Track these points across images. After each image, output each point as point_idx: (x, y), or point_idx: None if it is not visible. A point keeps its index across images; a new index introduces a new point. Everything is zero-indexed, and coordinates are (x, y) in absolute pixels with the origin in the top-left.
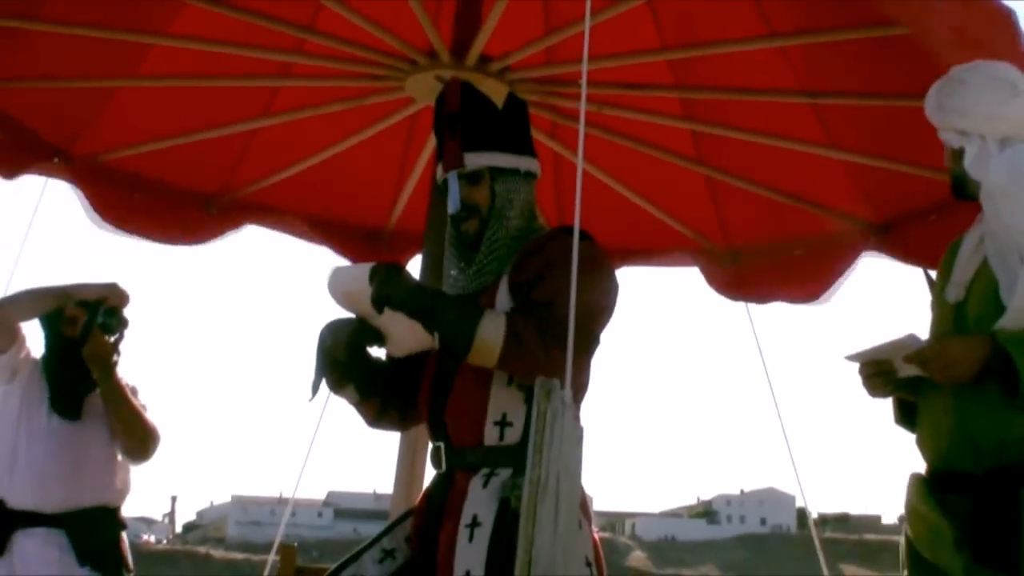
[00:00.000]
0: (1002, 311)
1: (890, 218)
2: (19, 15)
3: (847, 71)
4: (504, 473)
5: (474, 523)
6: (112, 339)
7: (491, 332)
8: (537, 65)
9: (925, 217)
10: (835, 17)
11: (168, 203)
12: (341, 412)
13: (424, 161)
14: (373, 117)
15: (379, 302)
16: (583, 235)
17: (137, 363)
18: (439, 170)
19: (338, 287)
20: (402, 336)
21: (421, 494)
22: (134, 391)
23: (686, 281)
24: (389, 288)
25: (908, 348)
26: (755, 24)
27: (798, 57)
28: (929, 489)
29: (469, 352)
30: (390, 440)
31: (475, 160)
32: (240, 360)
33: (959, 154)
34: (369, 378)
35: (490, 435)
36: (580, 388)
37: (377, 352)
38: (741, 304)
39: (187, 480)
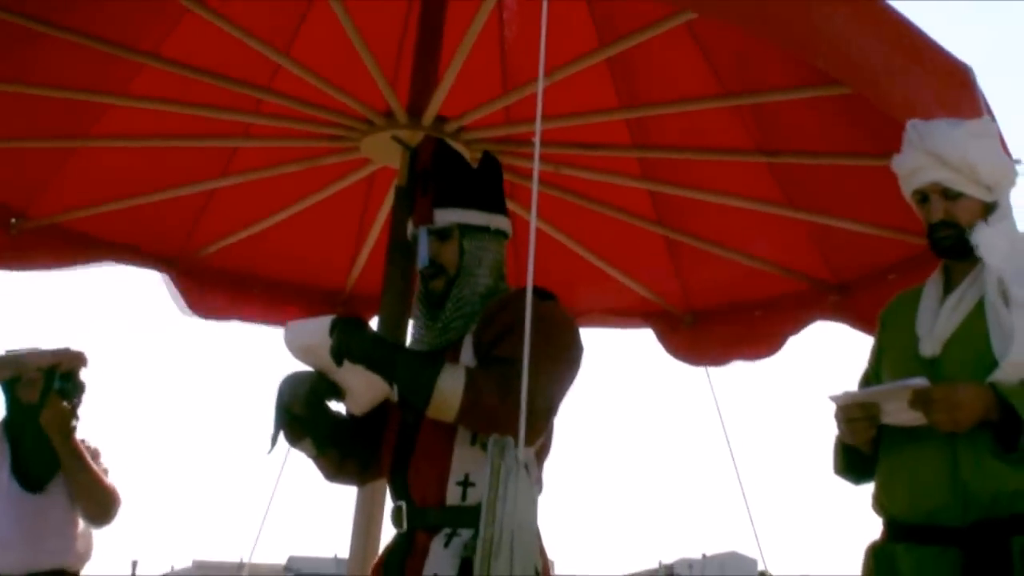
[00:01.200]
0: (986, 369)
1: (848, 279)
2: None
3: (803, 130)
4: (466, 534)
5: None
6: (70, 404)
7: (450, 385)
8: (494, 125)
9: (883, 277)
10: (788, 76)
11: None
12: (302, 474)
13: (381, 222)
14: (330, 178)
15: (339, 354)
16: (548, 295)
17: (97, 426)
18: (409, 226)
19: (296, 340)
20: (361, 391)
21: (378, 556)
22: (95, 454)
23: (647, 342)
24: (349, 340)
25: (900, 394)
26: (710, 84)
27: (753, 117)
28: (905, 538)
29: (428, 405)
30: (351, 502)
31: (444, 216)
32: (200, 422)
33: (983, 208)
34: (327, 432)
35: (452, 495)
36: (542, 450)
37: (335, 406)
38: (702, 370)
39: (148, 544)
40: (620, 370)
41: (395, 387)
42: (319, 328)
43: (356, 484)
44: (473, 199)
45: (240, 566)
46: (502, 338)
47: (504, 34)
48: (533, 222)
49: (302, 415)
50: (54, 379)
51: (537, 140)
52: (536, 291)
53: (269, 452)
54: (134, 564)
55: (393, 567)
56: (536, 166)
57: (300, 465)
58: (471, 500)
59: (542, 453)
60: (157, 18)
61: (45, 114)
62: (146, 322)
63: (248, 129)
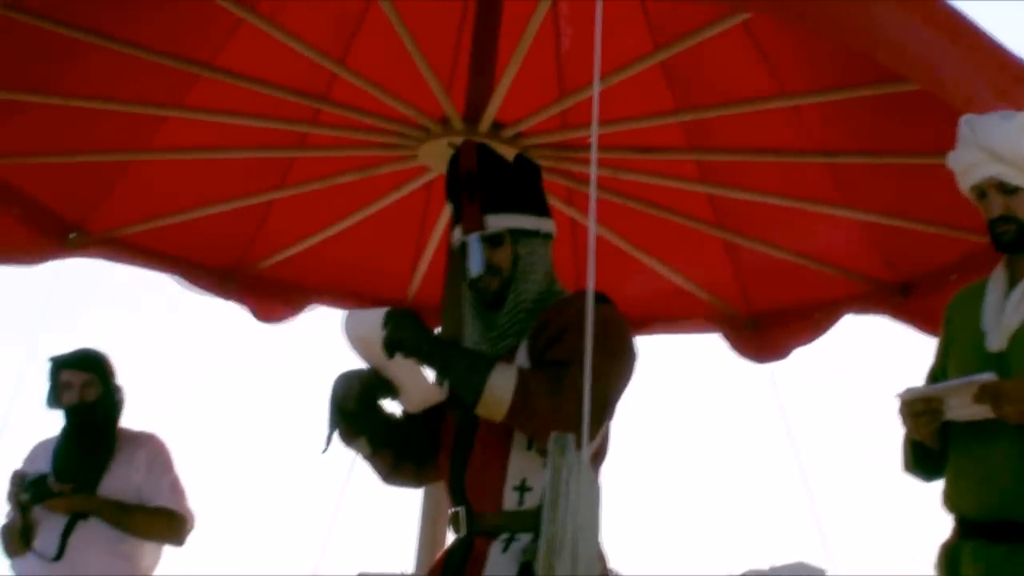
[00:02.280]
0: None
1: (909, 279)
2: (33, 89)
3: (861, 129)
4: (524, 538)
5: None
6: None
7: (501, 384)
8: (551, 130)
9: (945, 276)
10: (846, 75)
11: (185, 278)
12: (369, 490)
13: (440, 231)
14: (388, 187)
15: (391, 346)
16: (603, 299)
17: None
18: (456, 234)
19: (352, 331)
20: (415, 389)
21: (438, 557)
22: (168, 476)
23: (710, 347)
24: (402, 333)
25: (967, 390)
26: (767, 84)
27: (811, 116)
28: (975, 536)
29: (477, 403)
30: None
31: (496, 222)
32: (263, 435)
33: None
34: (381, 430)
35: (509, 500)
36: (598, 454)
37: (390, 406)
38: (764, 372)
39: (209, 563)
40: (684, 377)
41: (445, 383)
42: (374, 319)
43: (413, 486)
44: (522, 203)
45: None
46: (556, 341)
47: (559, 38)
48: (592, 227)
49: (355, 412)
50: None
51: (594, 144)
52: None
53: (324, 452)
54: None
55: (451, 572)
56: (594, 171)
57: (367, 481)
58: (528, 504)
59: (599, 458)
60: (212, 29)
61: (102, 127)
62: (206, 332)
63: (305, 139)
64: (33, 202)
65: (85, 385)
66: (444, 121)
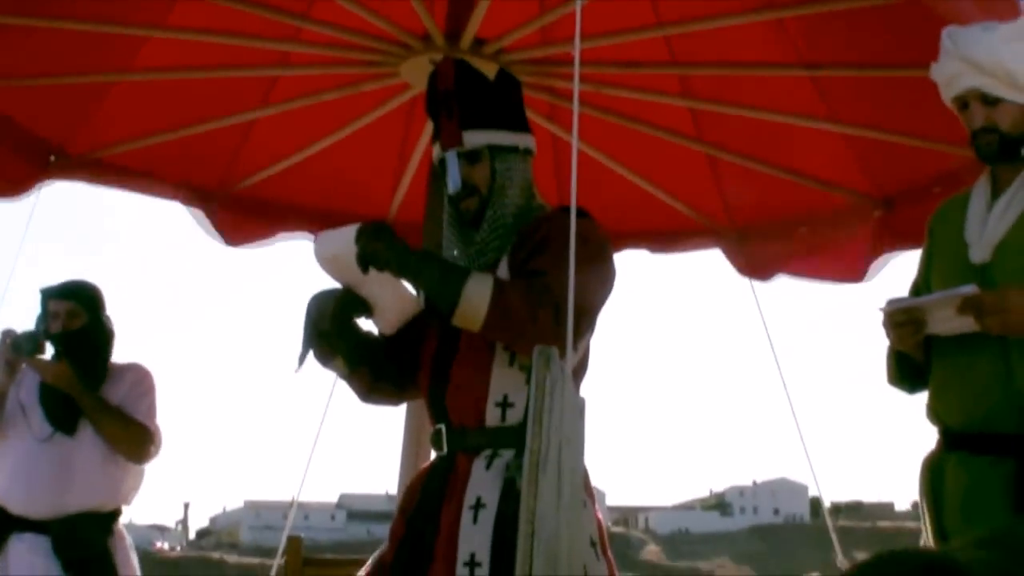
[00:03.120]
0: None
1: (892, 192)
2: (12, 11)
3: (846, 42)
4: (507, 454)
5: (478, 504)
6: (37, 355)
7: (478, 292)
8: (532, 46)
9: (928, 190)
10: None
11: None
12: (351, 413)
13: (421, 149)
14: (370, 105)
15: (364, 260)
16: (582, 213)
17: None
18: (436, 150)
19: (325, 250)
20: (389, 305)
21: (417, 474)
22: (139, 389)
23: (691, 271)
24: (375, 246)
25: (950, 302)
26: None
27: (796, 30)
28: (958, 447)
29: (454, 312)
30: (400, 439)
31: (474, 138)
32: (249, 363)
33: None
34: (357, 350)
35: (492, 416)
36: (578, 370)
37: (365, 324)
38: (750, 293)
39: (199, 486)
40: (668, 297)
41: (421, 294)
42: (347, 236)
43: (392, 403)
44: (501, 119)
45: (291, 505)
46: (535, 253)
47: None
48: (575, 142)
49: (331, 331)
50: (15, 349)
51: (577, 59)
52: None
53: (297, 371)
54: (186, 506)
55: (433, 490)
56: (576, 86)
57: (349, 404)
58: (511, 420)
59: (579, 374)
60: None
61: (83, 49)
62: (188, 254)
63: (287, 58)
64: (14, 124)
65: (70, 314)
66: (425, 38)
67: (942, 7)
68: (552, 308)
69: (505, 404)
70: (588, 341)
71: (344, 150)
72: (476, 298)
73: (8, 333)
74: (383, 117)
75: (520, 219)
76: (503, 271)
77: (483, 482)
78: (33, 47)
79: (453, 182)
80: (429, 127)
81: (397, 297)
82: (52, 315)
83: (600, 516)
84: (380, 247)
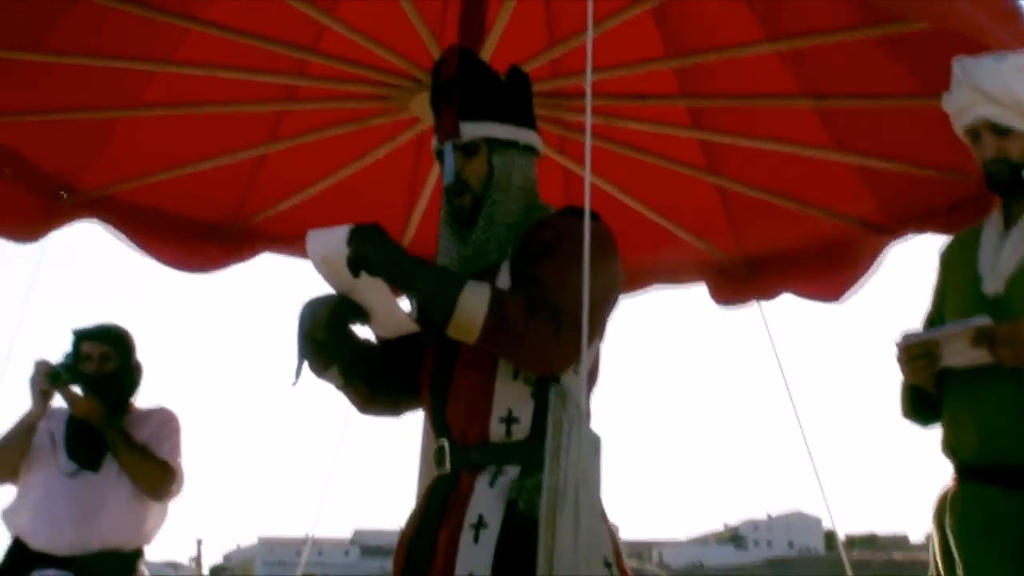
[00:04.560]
0: None
1: (900, 220)
2: (22, 47)
3: (850, 73)
4: (511, 471)
5: (480, 524)
6: (75, 388)
7: (473, 302)
8: (543, 78)
9: (934, 219)
10: (832, 18)
11: (177, 234)
12: (365, 447)
13: (432, 183)
14: (380, 139)
15: (355, 264)
16: (592, 216)
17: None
18: (434, 141)
19: (316, 251)
20: (386, 312)
21: (419, 498)
22: (165, 430)
23: (705, 303)
24: (366, 248)
25: (963, 335)
26: (753, 30)
27: (800, 61)
28: (972, 479)
29: (448, 323)
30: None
31: (471, 130)
32: (263, 400)
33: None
34: (354, 360)
35: (496, 432)
36: (590, 376)
37: (362, 331)
38: (762, 324)
39: (213, 523)
40: (682, 331)
41: (414, 304)
42: (339, 235)
43: (391, 415)
44: (501, 112)
45: (305, 541)
46: (537, 259)
47: None
48: (587, 173)
49: (325, 340)
50: (53, 379)
51: (588, 91)
52: (578, 211)
53: (294, 384)
54: (199, 543)
55: (433, 509)
56: (588, 118)
57: (362, 439)
58: (516, 436)
59: (590, 382)
60: None
61: (92, 84)
62: (207, 293)
63: (295, 92)
64: (24, 161)
65: (103, 357)
66: None
67: (971, 27)
68: (551, 317)
69: (510, 419)
70: (598, 348)
71: (354, 184)
72: (472, 308)
73: (43, 363)
74: (393, 152)
75: (521, 220)
76: (504, 277)
77: (486, 500)
78: (43, 83)
79: (448, 174)
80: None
81: (393, 303)
82: (85, 356)
83: (616, 537)
84: (371, 250)
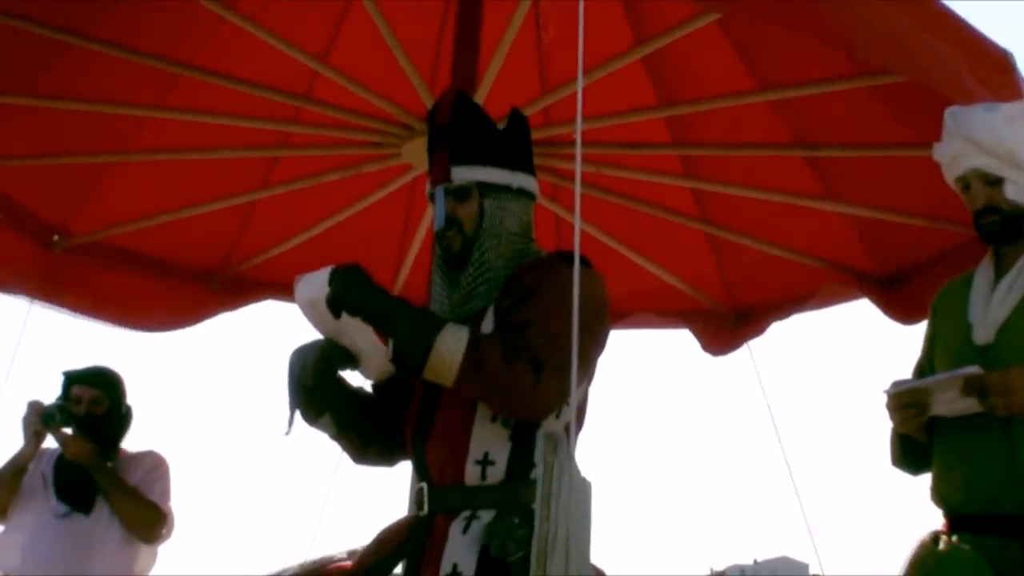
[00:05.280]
0: None
1: (894, 271)
2: (13, 91)
3: (841, 123)
4: (486, 516)
5: (454, 573)
6: (67, 429)
7: (450, 346)
8: (535, 127)
9: (930, 268)
10: (826, 67)
11: (168, 282)
12: (357, 481)
13: (424, 230)
14: (372, 186)
15: (334, 304)
16: (582, 261)
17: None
18: (428, 186)
19: (302, 295)
20: (374, 355)
21: (389, 528)
22: (157, 472)
23: (692, 343)
24: (345, 289)
25: (953, 383)
26: (745, 80)
27: (791, 111)
28: (961, 529)
29: (424, 366)
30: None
31: (462, 174)
32: (251, 435)
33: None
34: (345, 406)
35: (471, 474)
36: (577, 419)
37: (351, 377)
38: (751, 368)
39: (204, 562)
40: (669, 374)
41: (390, 343)
42: (321, 278)
43: (385, 465)
44: (494, 156)
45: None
46: (520, 303)
47: (540, 35)
48: (577, 222)
49: (314, 386)
50: (46, 420)
51: (578, 140)
52: (566, 255)
53: (287, 434)
54: None
55: (411, 552)
56: (579, 167)
57: (355, 474)
58: (491, 479)
59: (577, 424)
60: (193, 28)
61: (84, 129)
62: (187, 343)
63: (287, 139)
64: (16, 206)
65: (93, 401)
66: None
67: (944, 83)
68: (530, 363)
69: (485, 462)
70: (585, 391)
71: (346, 232)
72: (448, 352)
73: (36, 404)
74: (385, 199)
75: (511, 265)
76: (489, 322)
77: (460, 548)
78: (34, 127)
79: (438, 218)
80: (431, 210)
81: (380, 346)
82: (75, 399)
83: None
84: (350, 290)
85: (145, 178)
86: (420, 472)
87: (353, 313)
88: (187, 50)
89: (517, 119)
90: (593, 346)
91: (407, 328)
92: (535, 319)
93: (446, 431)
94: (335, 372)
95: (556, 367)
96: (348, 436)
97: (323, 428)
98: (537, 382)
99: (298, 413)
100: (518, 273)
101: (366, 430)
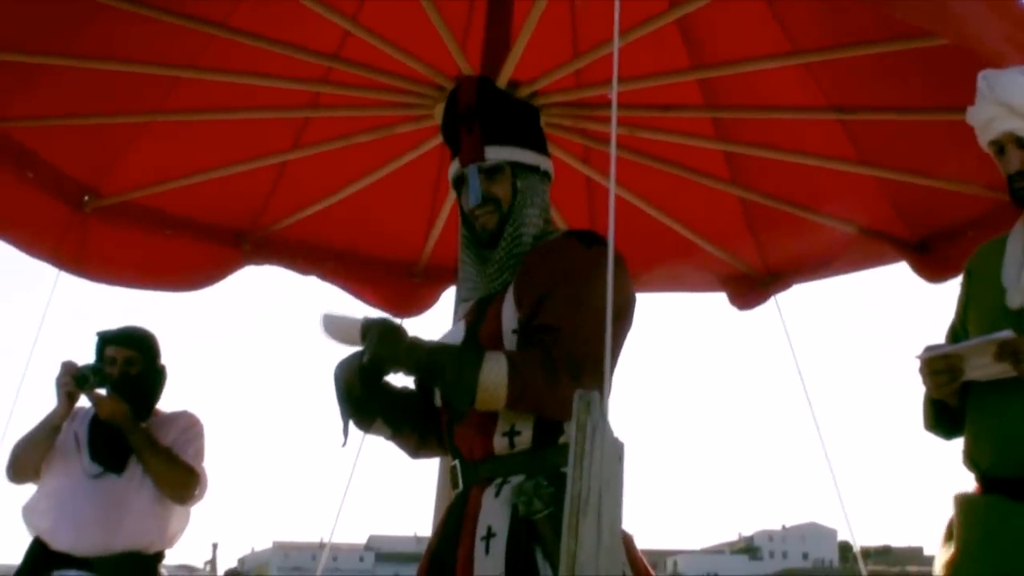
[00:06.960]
0: None
1: (926, 235)
2: (47, 51)
3: (876, 86)
4: (516, 480)
5: (489, 534)
6: (101, 390)
7: (493, 378)
8: (567, 89)
9: (963, 233)
10: (861, 31)
11: (198, 242)
12: (381, 454)
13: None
14: (404, 147)
15: (373, 368)
16: (595, 239)
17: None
18: (453, 167)
19: (329, 337)
20: None
21: (439, 519)
22: (189, 434)
23: (723, 308)
24: (381, 350)
25: (986, 348)
26: (780, 42)
27: (825, 74)
28: (994, 491)
29: (475, 403)
30: (431, 480)
31: (496, 154)
32: (280, 404)
33: None
34: (395, 409)
35: (500, 445)
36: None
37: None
38: (783, 336)
39: (228, 527)
40: (699, 338)
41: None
42: (350, 329)
43: (441, 455)
44: (524, 138)
45: (320, 546)
46: (544, 300)
47: None
48: (612, 185)
49: (363, 396)
50: (80, 382)
51: (614, 102)
52: (581, 235)
53: (344, 445)
54: (214, 546)
55: (451, 526)
56: (614, 129)
57: (378, 445)
58: (519, 447)
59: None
60: None
61: (116, 90)
62: (222, 304)
63: (318, 100)
64: (49, 165)
65: (128, 361)
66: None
67: (986, 48)
68: (570, 372)
69: (512, 432)
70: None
71: (377, 193)
72: (492, 386)
73: (70, 364)
74: (416, 160)
75: (534, 244)
76: (509, 302)
77: (492, 511)
78: (68, 88)
79: (474, 195)
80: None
81: None
82: (109, 360)
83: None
84: (387, 351)
85: (175, 139)
86: (453, 452)
87: (394, 372)
88: (220, 11)
89: (528, 107)
90: (623, 336)
91: (450, 375)
92: (566, 318)
93: (474, 411)
94: (379, 378)
95: (593, 369)
96: (404, 435)
97: (378, 432)
98: (580, 386)
99: (352, 423)
100: (535, 256)
101: (420, 425)
